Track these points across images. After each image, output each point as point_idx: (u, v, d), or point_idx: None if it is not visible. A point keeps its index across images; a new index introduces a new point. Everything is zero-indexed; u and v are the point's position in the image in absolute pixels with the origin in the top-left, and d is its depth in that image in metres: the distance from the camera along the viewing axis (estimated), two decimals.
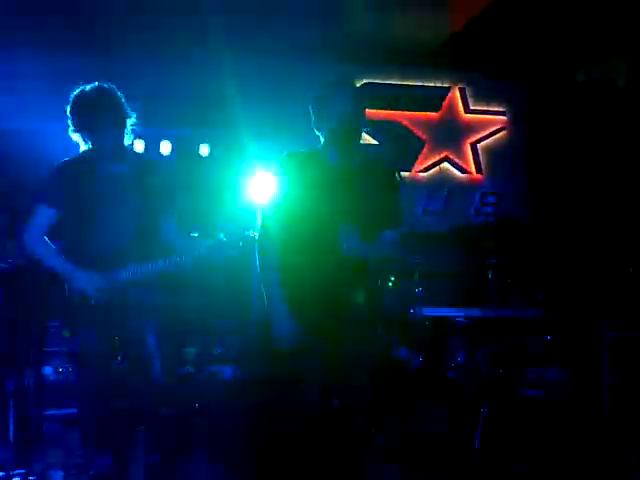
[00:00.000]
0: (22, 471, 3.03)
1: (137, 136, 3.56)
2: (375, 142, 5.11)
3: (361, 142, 2.56)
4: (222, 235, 2.86)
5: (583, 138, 5.17)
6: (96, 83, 2.78)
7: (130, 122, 2.87)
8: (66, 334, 3.12)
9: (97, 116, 2.71)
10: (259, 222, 2.63)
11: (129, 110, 2.85)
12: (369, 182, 2.41)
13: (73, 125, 2.78)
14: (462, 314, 4.13)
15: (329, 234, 2.43)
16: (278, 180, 2.58)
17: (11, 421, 3.39)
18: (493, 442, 3.52)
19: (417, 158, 5.27)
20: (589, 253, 4.52)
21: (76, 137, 2.82)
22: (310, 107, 2.57)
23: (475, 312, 3.91)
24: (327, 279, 2.46)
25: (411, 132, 5.27)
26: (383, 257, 2.65)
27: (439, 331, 4.20)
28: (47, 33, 4.38)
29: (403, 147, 5.20)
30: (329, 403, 2.58)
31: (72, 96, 2.77)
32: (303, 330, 2.49)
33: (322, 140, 2.58)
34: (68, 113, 2.77)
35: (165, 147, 4.95)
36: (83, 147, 2.85)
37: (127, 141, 2.92)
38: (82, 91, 2.77)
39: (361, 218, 2.37)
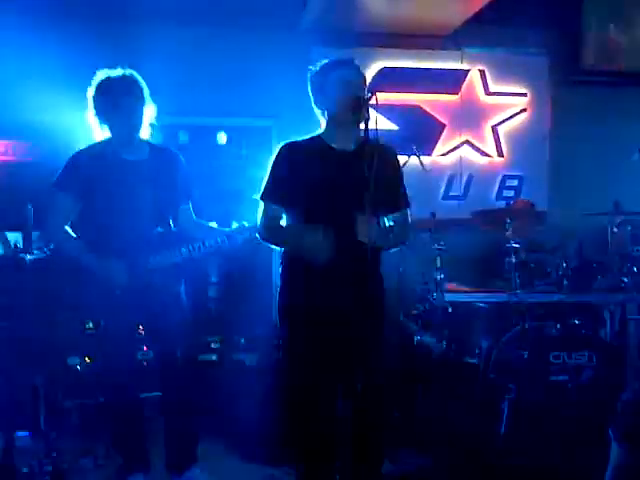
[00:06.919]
0: (53, 460, 3.09)
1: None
2: (395, 127, 5.08)
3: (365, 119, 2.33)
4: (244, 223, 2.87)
5: (606, 119, 5.09)
6: (120, 70, 2.81)
7: (150, 112, 2.89)
8: (90, 325, 3.15)
9: (118, 101, 2.75)
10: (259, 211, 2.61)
11: (150, 99, 2.87)
12: (372, 164, 2.23)
13: (94, 109, 2.81)
14: (485, 299, 4.11)
15: (343, 223, 2.38)
16: (277, 171, 2.53)
17: (42, 411, 3.46)
18: (518, 427, 3.52)
19: (437, 142, 5.22)
20: (611, 235, 4.46)
21: (93, 122, 2.85)
22: (310, 84, 2.54)
23: (498, 297, 3.89)
24: (343, 267, 2.39)
25: (430, 116, 5.21)
26: (396, 242, 2.63)
27: (462, 317, 4.19)
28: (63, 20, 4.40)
29: (422, 131, 5.14)
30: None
31: (96, 80, 2.81)
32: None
33: (323, 122, 2.55)
34: (90, 97, 2.81)
35: (182, 137, 4.97)
36: (99, 135, 2.88)
37: (146, 131, 2.94)
38: (106, 76, 2.80)
39: (373, 203, 2.24)
